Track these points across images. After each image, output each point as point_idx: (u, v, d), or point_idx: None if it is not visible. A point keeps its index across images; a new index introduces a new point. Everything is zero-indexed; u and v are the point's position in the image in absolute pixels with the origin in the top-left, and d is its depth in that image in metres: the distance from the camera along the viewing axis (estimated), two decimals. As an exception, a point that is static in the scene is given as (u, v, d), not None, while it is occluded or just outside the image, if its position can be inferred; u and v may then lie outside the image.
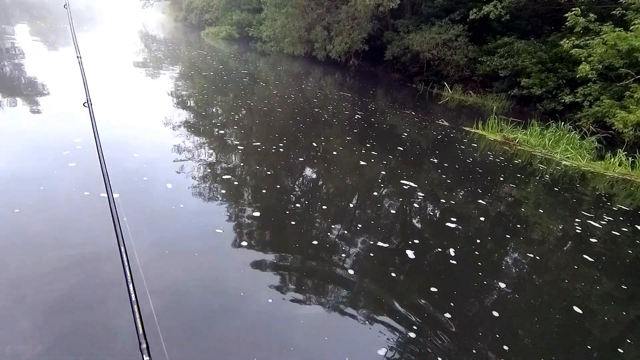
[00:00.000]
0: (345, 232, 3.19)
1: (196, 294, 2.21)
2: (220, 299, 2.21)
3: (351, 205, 3.82)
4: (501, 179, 5.55)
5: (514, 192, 5.02)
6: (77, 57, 2.82)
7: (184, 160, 4.10)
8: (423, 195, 4.47)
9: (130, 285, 1.26)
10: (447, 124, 8.91)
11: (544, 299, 2.84)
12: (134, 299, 1.22)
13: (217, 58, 15.89)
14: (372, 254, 2.96)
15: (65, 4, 3.54)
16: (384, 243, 3.14)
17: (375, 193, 4.35)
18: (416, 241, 3.28)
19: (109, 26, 25.35)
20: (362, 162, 5.15)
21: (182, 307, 2.09)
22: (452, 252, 3.15)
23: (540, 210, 4.55)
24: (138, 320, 1.15)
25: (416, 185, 4.67)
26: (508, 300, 2.72)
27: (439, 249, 3.22)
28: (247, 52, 20.32)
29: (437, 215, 3.98)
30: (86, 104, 2.22)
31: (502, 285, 2.85)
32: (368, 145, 6.11)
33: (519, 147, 7.56)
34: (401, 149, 6.38)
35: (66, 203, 2.89)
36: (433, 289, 2.64)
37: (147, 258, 2.36)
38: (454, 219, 3.77)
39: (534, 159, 7.02)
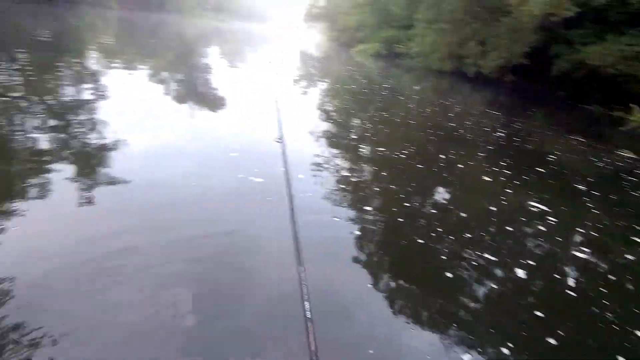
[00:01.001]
0: (457, 246, 2.86)
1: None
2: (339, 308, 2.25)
3: (464, 218, 3.40)
4: None
5: None
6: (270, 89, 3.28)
7: (319, 165, 4.36)
8: (555, 221, 3.69)
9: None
10: (631, 155, 7.15)
11: None
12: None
13: (363, 73, 16.55)
14: (480, 267, 2.56)
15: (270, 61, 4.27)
16: (492, 256, 2.70)
17: (493, 208, 3.80)
18: (529, 262, 2.69)
19: (276, 46, 29.25)
20: (486, 178, 4.60)
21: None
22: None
23: None
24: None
25: (549, 210, 3.92)
26: None
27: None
28: (392, 68, 20.58)
29: (569, 245, 3.20)
30: (278, 140, 2.60)
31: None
32: (502, 163, 5.42)
33: None
34: (542, 170, 5.46)
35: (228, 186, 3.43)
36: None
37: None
38: (586, 249, 2.97)
39: None
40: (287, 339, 1.87)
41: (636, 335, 2.33)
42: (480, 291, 2.56)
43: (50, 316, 1.83)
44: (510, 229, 3.54)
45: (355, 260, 2.70)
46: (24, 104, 5.00)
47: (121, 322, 1.87)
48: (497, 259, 2.97)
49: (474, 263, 2.86)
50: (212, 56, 15.09)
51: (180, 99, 6.80)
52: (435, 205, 3.90)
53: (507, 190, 4.48)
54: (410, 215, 3.51)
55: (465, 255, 2.95)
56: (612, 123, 11.22)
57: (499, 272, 2.82)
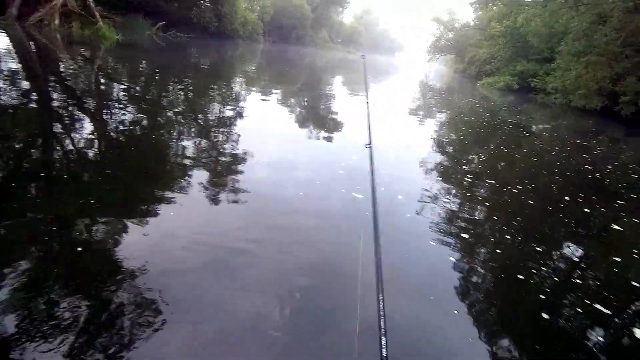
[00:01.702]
0: (573, 316, 2.38)
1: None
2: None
3: (590, 283, 2.80)
4: None
5: None
6: (366, 102, 3.48)
7: (427, 199, 4.25)
8: None
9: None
10: None
11: None
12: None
13: (487, 108, 15.51)
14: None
15: (363, 55, 4.63)
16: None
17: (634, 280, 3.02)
18: None
19: (398, 77, 29.65)
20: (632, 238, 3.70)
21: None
22: None
23: None
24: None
25: None
26: None
27: None
28: (523, 103, 18.77)
29: None
30: (367, 145, 2.77)
31: None
32: None
33: None
34: None
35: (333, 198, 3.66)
36: None
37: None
38: None
39: None
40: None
41: None
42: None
43: (173, 295, 2.23)
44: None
45: (444, 299, 2.55)
46: (181, 118, 6.22)
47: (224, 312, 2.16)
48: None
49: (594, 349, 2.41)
50: (336, 85, 16.16)
51: (302, 121, 7.49)
52: (555, 261, 3.39)
53: None
54: (516, 265, 3.15)
55: (581, 336, 2.51)
56: None
57: None
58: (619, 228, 4.26)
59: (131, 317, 1.95)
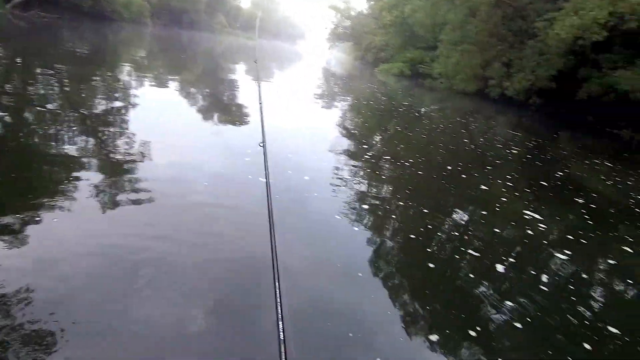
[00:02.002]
0: (459, 263, 2.79)
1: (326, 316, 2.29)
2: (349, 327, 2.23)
3: (479, 238, 3.32)
4: None
5: None
6: (259, 103, 3.44)
7: (333, 178, 4.41)
8: (580, 245, 3.53)
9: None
10: (662, 183, 6.84)
11: None
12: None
13: (384, 92, 16.67)
14: (497, 292, 2.48)
15: (256, 60, 4.52)
16: (509, 281, 2.60)
17: (513, 230, 3.66)
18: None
19: (301, 64, 29.94)
20: (507, 200, 4.45)
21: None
22: None
23: None
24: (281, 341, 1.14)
25: (572, 233, 3.75)
26: None
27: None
28: (415, 88, 20.65)
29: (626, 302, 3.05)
30: (261, 144, 2.71)
31: None
32: (525, 186, 5.29)
33: None
34: (567, 195, 5.31)
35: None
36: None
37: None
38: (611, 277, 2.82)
39: None
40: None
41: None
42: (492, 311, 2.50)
43: (69, 318, 1.91)
44: (525, 247, 3.46)
45: (344, 277, 2.69)
46: (58, 112, 5.33)
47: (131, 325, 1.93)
48: (515, 284, 2.90)
49: (486, 285, 2.80)
50: (238, 72, 15.60)
51: (204, 111, 7.05)
52: (448, 224, 3.84)
53: (531, 213, 4.38)
54: (417, 230, 3.48)
55: (480, 277, 2.90)
56: (642, 149, 10.79)
57: (517, 296, 2.74)
58: (487, 188, 5.03)
59: (23, 346, 1.63)
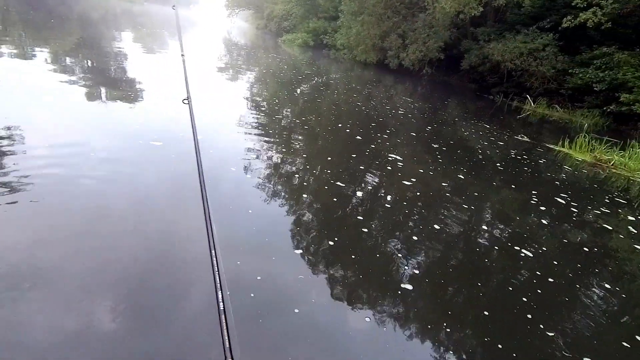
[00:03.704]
0: (380, 223, 3.06)
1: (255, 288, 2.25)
2: (273, 296, 2.23)
3: (386, 198, 3.66)
4: (588, 205, 4.94)
5: (604, 220, 4.42)
6: (182, 55, 3.12)
7: (251, 154, 4.28)
8: (490, 215, 4.16)
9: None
10: (527, 139, 8.20)
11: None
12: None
13: (291, 64, 16.48)
14: (405, 247, 2.80)
15: (174, 5, 4.10)
16: (415, 235, 2.96)
17: (413, 186, 4.12)
18: (479, 269, 3.03)
19: (199, 33, 27.68)
20: (408, 162, 4.94)
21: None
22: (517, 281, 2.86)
23: (637, 246, 3.94)
24: (225, 332, 1.07)
25: (464, 185, 4.38)
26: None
27: (504, 279, 2.95)
28: (320, 58, 20.80)
29: (504, 239, 3.64)
30: (185, 101, 2.47)
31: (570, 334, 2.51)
32: (421, 148, 5.88)
33: (613, 171, 6.67)
34: (456, 152, 6.10)
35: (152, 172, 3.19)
36: (486, 316, 2.42)
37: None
38: (523, 246, 3.43)
39: (632, 184, 6.14)
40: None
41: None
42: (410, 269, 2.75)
43: None
44: (426, 203, 3.85)
45: (300, 259, 2.71)
46: None
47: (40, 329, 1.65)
48: (419, 238, 3.21)
49: (399, 244, 3.05)
50: (124, 41, 13.76)
51: (86, 87, 6.09)
52: (385, 206, 4.00)
53: (427, 170, 4.86)
54: (351, 209, 3.61)
55: (389, 235, 3.14)
56: (511, 111, 12.72)
57: (423, 250, 3.05)
58: (392, 155, 5.44)
59: None
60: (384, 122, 7.57)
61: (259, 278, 2.31)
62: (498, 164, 6.11)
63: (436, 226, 3.50)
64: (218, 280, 1.21)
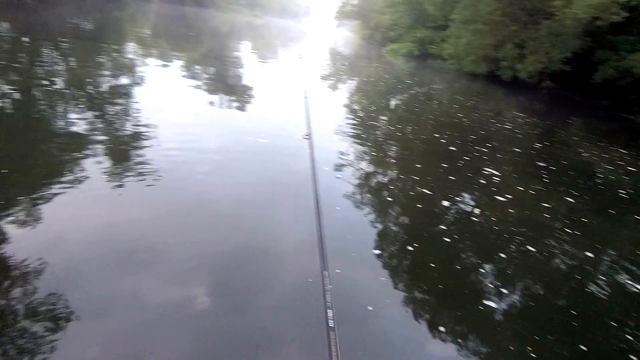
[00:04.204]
0: (480, 251, 2.78)
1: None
2: (348, 307, 2.24)
3: (488, 223, 3.30)
4: None
5: None
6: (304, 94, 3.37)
7: (343, 155, 4.36)
8: (603, 248, 3.51)
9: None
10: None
11: None
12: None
13: (393, 73, 16.35)
14: (501, 279, 2.48)
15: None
16: (514, 270, 2.60)
17: (517, 214, 3.63)
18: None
19: (307, 43, 29.34)
20: (515, 185, 4.40)
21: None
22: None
23: None
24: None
25: (582, 221, 3.72)
26: None
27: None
28: (423, 69, 20.22)
29: (619, 280, 3.03)
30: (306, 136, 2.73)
31: None
32: (534, 172, 5.22)
33: None
34: (577, 181, 5.26)
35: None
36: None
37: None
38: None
39: None
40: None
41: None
42: (501, 299, 2.49)
43: (75, 297, 1.93)
44: (535, 236, 3.43)
45: (378, 261, 2.69)
46: (65, 90, 5.29)
47: (139, 308, 1.95)
48: (508, 257, 2.89)
49: (493, 272, 2.79)
50: (244, 50, 15.33)
51: (211, 90, 6.96)
52: (471, 219, 3.74)
53: (527, 188, 4.35)
54: (435, 218, 3.46)
55: (487, 262, 2.89)
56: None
57: (511, 270, 2.73)
58: (492, 171, 4.95)
59: (34, 325, 1.65)
60: (485, 136, 7.00)
61: (338, 271, 2.34)
62: (622, 192, 5.14)
63: (530, 248, 3.12)
64: (329, 299, 1.23)
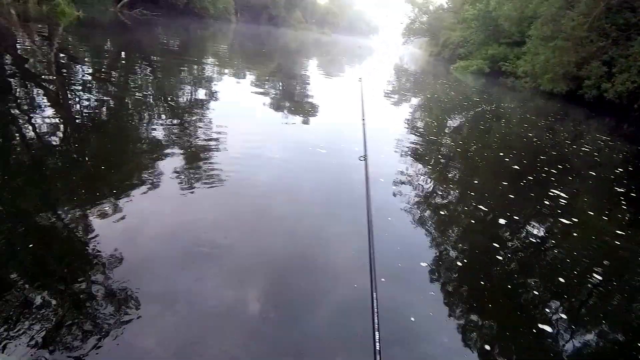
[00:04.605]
0: (547, 287, 2.53)
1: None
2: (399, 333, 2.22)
3: (560, 258, 2.99)
4: None
5: None
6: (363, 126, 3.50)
7: (400, 167, 4.32)
8: None
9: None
10: None
11: None
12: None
13: (460, 90, 15.79)
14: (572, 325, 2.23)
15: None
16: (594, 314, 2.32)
17: (592, 252, 3.23)
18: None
19: (373, 60, 29.55)
20: (597, 217, 3.94)
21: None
22: None
23: None
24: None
25: None
26: None
27: None
28: (494, 86, 19.24)
29: None
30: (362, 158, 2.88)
31: None
32: (622, 203, 4.65)
33: None
34: None
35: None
36: None
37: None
38: None
39: None
40: None
41: None
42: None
43: (143, 285, 2.17)
44: (602, 263, 3.08)
45: (426, 274, 2.63)
46: (150, 100, 5.96)
47: (198, 308, 2.13)
48: (567, 282, 2.62)
49: (549, 297, 2.56)
50: (311, 67, 15.92)
51: (276, 103, 7.35)
52: (529, 239, 3.50)
53: (599, 214, 3.93)
54: (489, 235, 3.27)
55: (542, 285, 2.66)
56: None
57: (567, 294, 2.48)
58: (568, 202, 4.51)
59: (103, 308, 1.89)
60: (556, 157, 6.45)
61: (382, 280, 2.33)
62: None
63: (595, 275, 2.81)
64: (376, 320, 1.26)
